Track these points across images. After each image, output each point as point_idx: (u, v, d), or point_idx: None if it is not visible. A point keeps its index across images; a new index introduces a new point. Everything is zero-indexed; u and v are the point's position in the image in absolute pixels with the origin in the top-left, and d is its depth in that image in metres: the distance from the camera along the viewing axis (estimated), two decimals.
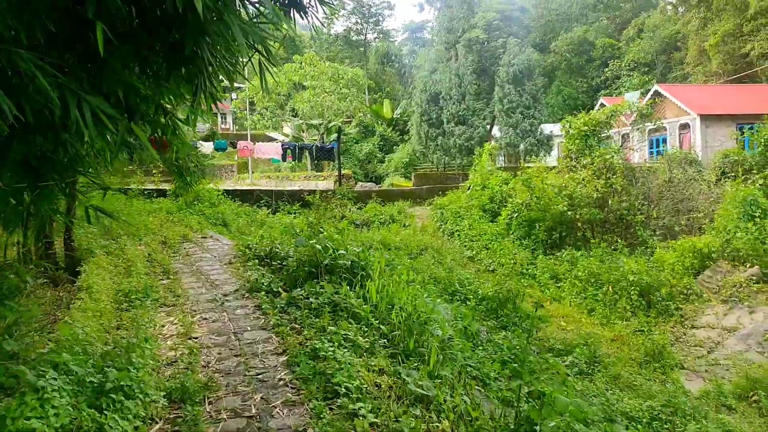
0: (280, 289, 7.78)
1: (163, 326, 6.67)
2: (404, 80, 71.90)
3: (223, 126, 71.23)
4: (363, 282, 7.19)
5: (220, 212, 17.07)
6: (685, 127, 39.90)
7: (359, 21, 79.95)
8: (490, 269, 16.16)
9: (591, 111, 23.65)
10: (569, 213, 16.37)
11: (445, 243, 18.04)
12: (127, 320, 6.54)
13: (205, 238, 13.26)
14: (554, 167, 21.82)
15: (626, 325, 12.18)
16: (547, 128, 43.08)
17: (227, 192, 20.27)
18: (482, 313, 12.07)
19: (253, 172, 45.13)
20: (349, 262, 7.50)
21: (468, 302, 12.56)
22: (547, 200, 16.66)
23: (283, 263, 8.72)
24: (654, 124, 22.07)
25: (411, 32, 75.59)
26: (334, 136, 50.20)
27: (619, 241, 15.84)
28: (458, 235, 18.50)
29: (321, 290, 6.97)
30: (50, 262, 11.22)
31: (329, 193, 21.58)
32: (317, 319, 6.33)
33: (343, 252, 7.69)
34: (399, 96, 71.50)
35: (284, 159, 21.85)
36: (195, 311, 7.25)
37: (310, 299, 6.87)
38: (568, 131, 19.15)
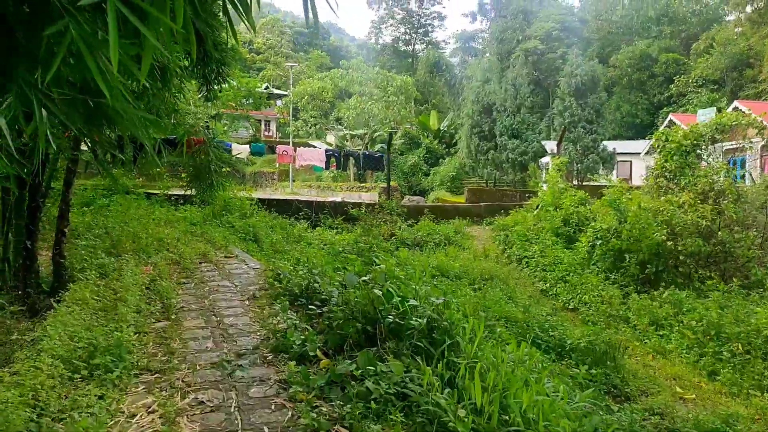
0: (318, 351, 5.26)
1: (132, 417, 4.21)
2: (453, 91, 69.31)
3: (266, 133, 70.09)
4: (448, 355, 4.61)
5: (251, 225, 14.69)
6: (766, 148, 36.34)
7: (408, 31, 78.00)
8: (570, 307, 13.37)
9: (656, 129, 20.90)
10: (669, 243, 13.46)
11: (512, 271, 15.34)
12: (74, 404, 4.11)
13: (229, 258, 10.84)
14: (632, 187, 19.01)
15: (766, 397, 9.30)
16: (609, 146, 39.92)
17: (262, 201, 17.92)
18: (572, 368, 9.40)
19: (293, 181, 43.13)
20: (425, 320, 4.92)
21: (550, 353, 9.92)
22: (641, 227, 13.78)
23: (324, 306, 6.22)
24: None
25: (463, 42, 73.19)
26: (379, 146, 47.95)
27: (735, 280, 12.84)
28: (527, 262, 15.73)
29: (384, 368, 4.43)
30: (31, 282, 9.00)
31: (376, 206, 19.09)
32: (379, 426, 3.79)
33: (414, 303, 5.13)
34: (446, 107, 68.90)
35: (327, 167, 19.47)
36: (189, 386, 4.76)
37: (366, 382, 4.33)
38: (664, 145, 16.26)
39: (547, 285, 14.32)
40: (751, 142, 20.92)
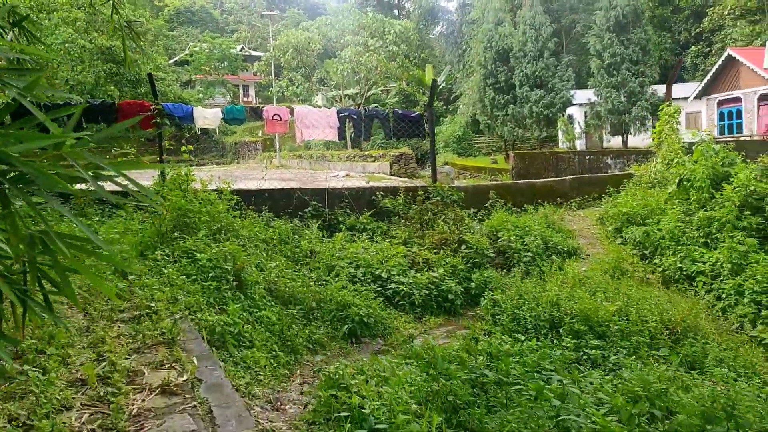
0: None
1: None
2: (450, 40, 62.02)
3: (245, 98, 63.09)
4: None
5: (228, 253, 8.00)
6: None
7: None
8: None
9: None
10: None
11: (696, 306, 8.93)
12: None
13: (174, 392, 4.24)
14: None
15: None
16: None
17: (245, 196, 11.23)
18: None
19: (280, 151, 36.27)
20: None
21: None
22: None
23: None
24: None
25: None
26: (373, 106, 40.96)
27: None
28: (705, 283, 9.32)
29: None
30: None
31: (419, 192, 12.48)
32: None
33: None
34: (437, 61, 61.50)
35: (342, 136, 12.81)
36: None
37: None
38: None
39: None
40: None
